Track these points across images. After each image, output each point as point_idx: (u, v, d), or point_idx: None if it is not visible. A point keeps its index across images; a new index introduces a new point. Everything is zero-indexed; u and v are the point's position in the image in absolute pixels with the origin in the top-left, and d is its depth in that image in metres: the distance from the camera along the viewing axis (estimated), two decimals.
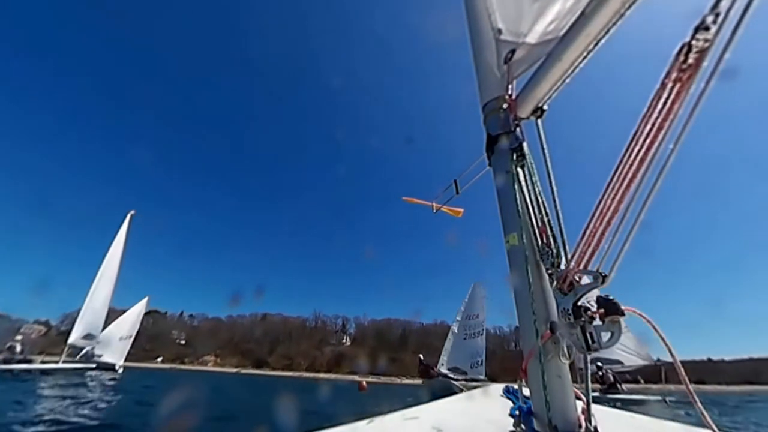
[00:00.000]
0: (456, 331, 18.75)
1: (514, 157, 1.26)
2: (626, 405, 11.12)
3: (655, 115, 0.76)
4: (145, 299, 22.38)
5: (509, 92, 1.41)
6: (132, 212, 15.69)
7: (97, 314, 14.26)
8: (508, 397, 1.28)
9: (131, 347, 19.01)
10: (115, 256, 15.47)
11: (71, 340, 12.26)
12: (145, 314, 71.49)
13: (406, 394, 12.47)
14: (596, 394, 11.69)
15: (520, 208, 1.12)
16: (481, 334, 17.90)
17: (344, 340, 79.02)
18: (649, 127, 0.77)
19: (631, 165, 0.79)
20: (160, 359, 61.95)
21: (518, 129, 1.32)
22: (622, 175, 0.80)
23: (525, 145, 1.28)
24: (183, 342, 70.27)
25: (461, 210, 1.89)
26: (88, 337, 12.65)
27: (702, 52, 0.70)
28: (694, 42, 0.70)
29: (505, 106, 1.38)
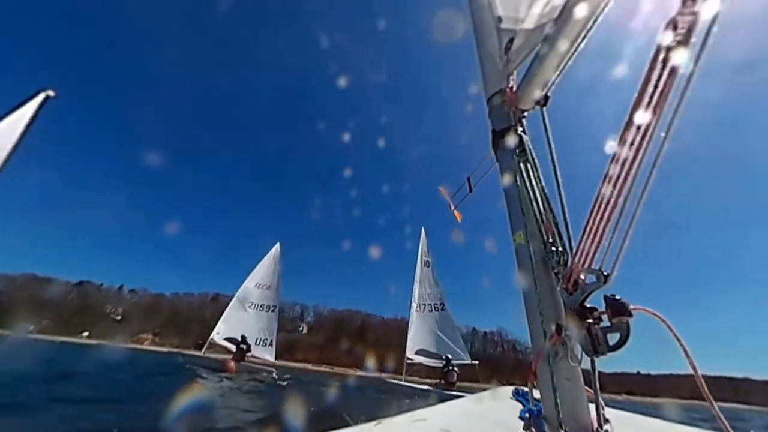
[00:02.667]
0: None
1: (517, 152, 1.20)
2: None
3: (646, 99, 0.71)
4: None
5: (510, 84, 1.36)
6: (50, 93, 8.36)
7: None
8: (517, 400, 1.25)
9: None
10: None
11: None
12: (75, 284, 64.55)
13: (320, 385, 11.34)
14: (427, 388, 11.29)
15: (524, 205, 1.07)
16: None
17: (301, 328, 77.83)
18: (641, 111, 0.72)
19: (627, 154, 0.73)
20: (86, 334, 56.41)
21: (521, 122, 1.27)
22: (618, 165, 0.75)
23: (527, 139, 1.22)
24: (119, 318, 64.68)
25: (460, 216, 1.89)
26: None
27: (689, 28, 0.66)
28: (679, 17, 0.66)
29: (506, 98, 1.31)
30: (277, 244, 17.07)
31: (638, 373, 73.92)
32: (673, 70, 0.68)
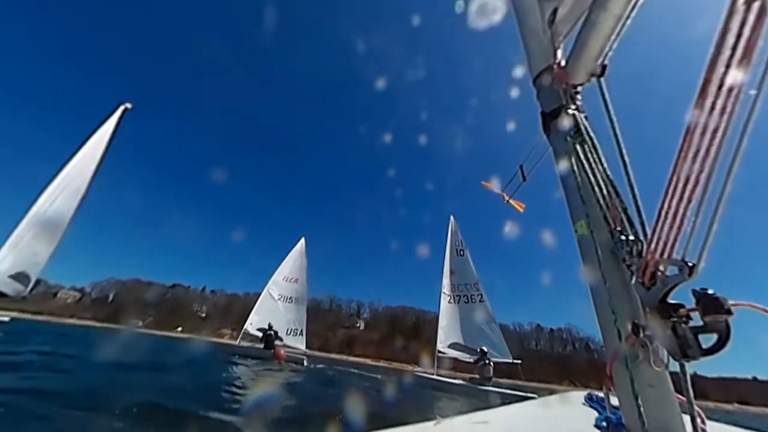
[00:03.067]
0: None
1: (572, 133, 1.08)
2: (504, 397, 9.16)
3: (727, 52, 0.57)
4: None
5: (557, 59, 1.23)
6: (127, 105, 10.97)
7: (44, 237, 9.37)
8: (591, 406, 1.13)
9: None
10: (90, 158, 10.42)
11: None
12: (169, 287, 74.86)
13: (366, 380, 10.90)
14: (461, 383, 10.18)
15: (584, 191, 0.96)
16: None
17: (358, 324, 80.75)
18: (723, 68, 0.58)
19: (708, 121, 0.60)
20: (179, 329, 65.57)
21: (573, 100, 1.14)
22: (698, 136, 0.62)
23: (582, 117, 1.10)
24: (203, 315, 73.92)
25: (523, 205, 1.79)
26: (19, 276, 8.73)
27: None
28: None
29: (554, 75, 1.19)
30: (302, 239, 17.64)
31: (755, 378, 61.50)
32: (763, 11, 0.54)
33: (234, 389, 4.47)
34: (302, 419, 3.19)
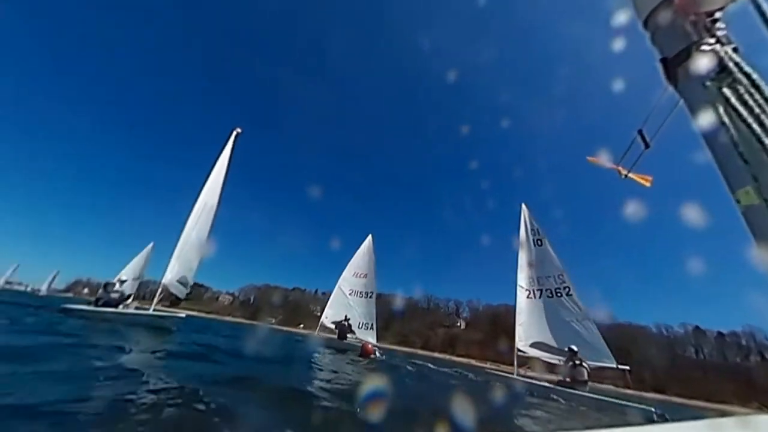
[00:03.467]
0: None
1: (714, 75, 0.82)
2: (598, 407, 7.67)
3: None
4: None
5: None
6: (238, 130, 12.66)
7: (194, 250, 11.26)
8: None
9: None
10: (216, 182, 12.31)
11: (165, 280, 10.47)
12: (291, 290, 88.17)
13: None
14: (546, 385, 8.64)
15: (744, 147, 0.70)
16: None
17: (458, 324, 79.00)
18: None
19: None
20: (301, 326, 76.25)
21: (709, 31, 0.87)
22: None
23: (729, 50, 0.82)
24: (319, 314, 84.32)
25: (650, 178, 1.53)
26: (183, 281, 10.56)
27: None
28: None
29: (675, 7, 0.92)
30: (369, 236, 18.27)
31: None
32: None
33: (345, 381, 4.92)
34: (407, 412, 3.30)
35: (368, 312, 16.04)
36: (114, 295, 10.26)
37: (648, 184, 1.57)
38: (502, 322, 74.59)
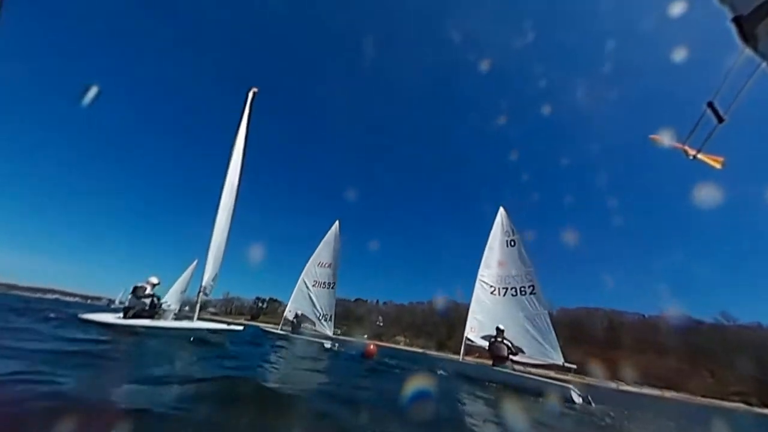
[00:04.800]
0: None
1: None
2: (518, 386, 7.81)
3: None
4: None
5: None
6: (254, 90, 10.74)
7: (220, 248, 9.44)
8: None
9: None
10: (236, 162, 10.17)
11: (204, 281, 8.92)
12: (353, 301, 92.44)
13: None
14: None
15: None
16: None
17: None
18: None
19: None
20: (365, 336, 79.11)
21: None
22: None
23: None
24: (380, 324, 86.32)
25: (721, 158, 1.39)
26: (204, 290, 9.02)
27: None
28: None
29: None
30: (336, 222, 17.58)
31: None
32: None
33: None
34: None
35: (329, 303, 16.08)
36: (146, 301, 8.00)
37: (719, 166, 1.40)
38: (585, 328, 65.60)
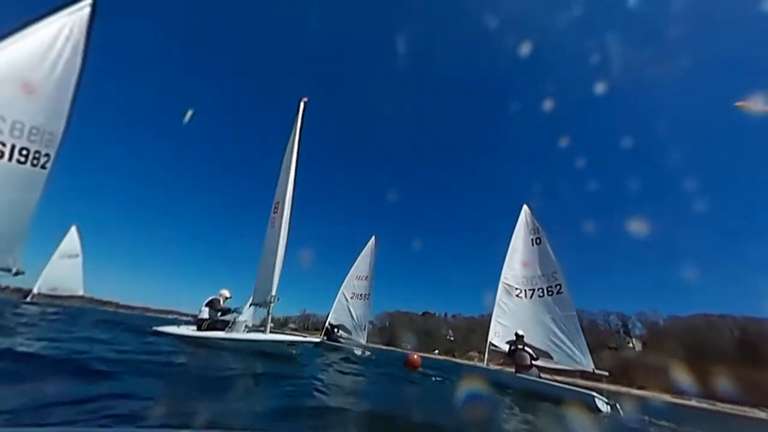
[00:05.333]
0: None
1: None
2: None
3: None
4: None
5: None
6: (305, 99, 10.49)
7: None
8: None
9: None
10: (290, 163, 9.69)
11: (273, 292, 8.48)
12: (421, 315, 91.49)
13: None
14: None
15: None
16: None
17: (629, 344, 61.28)
18: None
19: None
20: (436, 351, 76.45)
21: None
22: None
23: None
24: (452, 338, 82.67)
25: None
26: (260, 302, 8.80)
27: None
28: None
29: None
30: (373, 238, 18.66)
31: None
32: None
33: None
34: None
35: (364, 314, 17.00)
36: (221, 316, 8.15)
37: None
38: (708, 341, 52.63)
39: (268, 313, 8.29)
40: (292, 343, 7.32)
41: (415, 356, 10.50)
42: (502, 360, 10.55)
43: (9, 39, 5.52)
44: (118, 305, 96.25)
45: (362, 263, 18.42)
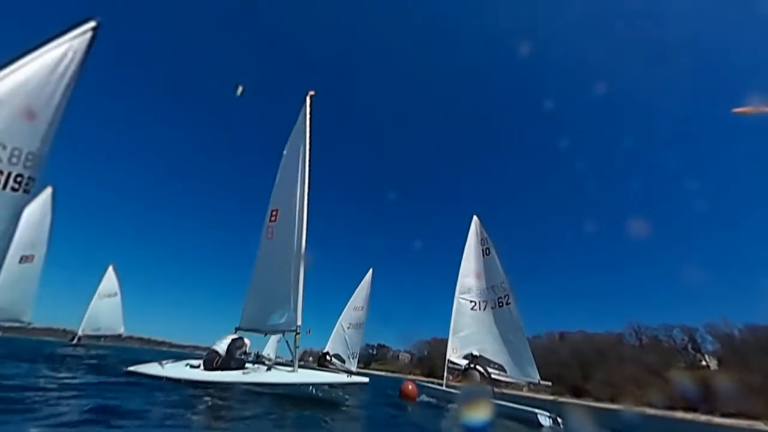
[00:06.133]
0: None
1: None
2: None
3: None
4: None
5: None
6: (311, 93, 9.33)
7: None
8: None
9: None
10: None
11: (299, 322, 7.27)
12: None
13: None
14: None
15: None
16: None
17: (702, 362, 53.24)
18: None
19: None
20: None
21: None
22: None
23: None
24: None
25: None
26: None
27: None
28: None
29: None
30: (371, 270, 20.02)
31: None
32: None
33: None
34: None
35: (357, 342, 18.19)
36: (242, 357, 6.72)
37: None
38: None
39: (296, 347, 6.83)
40: (334, 385, 6.04)
41: (411, 386, 10.00)
42: (460, 378, 10.64)
43: (15, 64, 5.49)
44: (171, 345, 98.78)
45: (359, 295, 19.55)
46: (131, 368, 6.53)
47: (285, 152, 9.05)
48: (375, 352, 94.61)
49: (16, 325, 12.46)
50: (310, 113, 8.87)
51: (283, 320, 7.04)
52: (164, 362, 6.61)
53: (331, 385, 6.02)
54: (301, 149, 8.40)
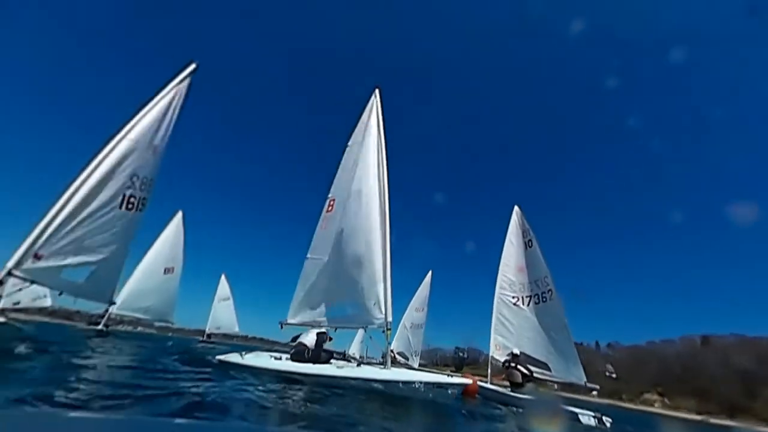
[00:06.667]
0: None
1: None
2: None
3: None
4: None
5: None
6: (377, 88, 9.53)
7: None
8: None
9: None
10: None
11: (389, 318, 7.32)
12: None
13: None
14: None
15: None
16: None
17: None
18: None
19: None
20: (594, 393, 61.41)
21: None
22: None
23: None
24: (614, 376, 65.14)
25: None
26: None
27: None
28: None
29: None
30: (430, 273, 20.99)
31: None
32: None
33: None
34: None
35: (418, 341, 19.53)
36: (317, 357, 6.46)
37: None
38: None
39: (387, 344, 6.69)
40: (438, 385, 5.61)
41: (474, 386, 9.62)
42: (503, 376, 10.15)
43: (144, 109, 6.72)
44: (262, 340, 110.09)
45: (419, 297, 20.69)
46: (220, 357, 6.93)
47: (349, 144, 9.31)
48: (466, 356, 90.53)
49: (164, 324, 17.01)
50: (381, 106, 9.31)
51: (363, 314, 6.85)
52: (244, 353, 6.75)
53: (431, 384, 5.50)
54: (370, 141, 8.65)
